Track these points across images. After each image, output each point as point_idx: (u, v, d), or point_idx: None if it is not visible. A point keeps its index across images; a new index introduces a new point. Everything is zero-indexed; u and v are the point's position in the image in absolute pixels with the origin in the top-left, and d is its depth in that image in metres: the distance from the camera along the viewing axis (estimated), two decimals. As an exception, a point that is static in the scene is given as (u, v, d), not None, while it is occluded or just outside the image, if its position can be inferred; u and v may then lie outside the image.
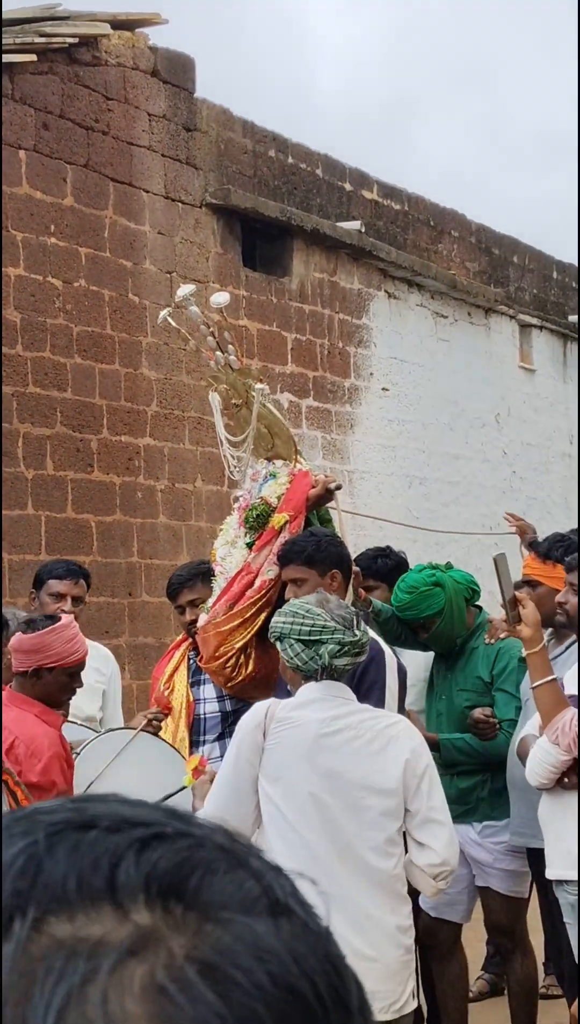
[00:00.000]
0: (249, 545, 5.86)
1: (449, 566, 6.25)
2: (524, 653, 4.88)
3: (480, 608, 6.31)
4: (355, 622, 4.32)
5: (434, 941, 6.16)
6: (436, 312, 14.14)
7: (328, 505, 6.06)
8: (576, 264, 17.62)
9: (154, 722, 5.69)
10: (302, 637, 4.25)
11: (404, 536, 13.03)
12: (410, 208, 14.13)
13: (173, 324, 6.13)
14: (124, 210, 10.23)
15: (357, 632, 4.28)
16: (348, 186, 13.12)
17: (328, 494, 5.90)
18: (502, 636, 6.18)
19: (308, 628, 4.26)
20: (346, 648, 4.25)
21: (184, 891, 0.66)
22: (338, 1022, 0.66)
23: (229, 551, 5.91)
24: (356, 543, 12.18)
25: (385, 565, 6.55)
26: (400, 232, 13.89)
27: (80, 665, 4.98)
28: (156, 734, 5.63)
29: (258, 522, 5.83)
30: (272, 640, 4.45)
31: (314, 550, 5.44)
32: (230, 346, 6.00)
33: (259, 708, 4.35)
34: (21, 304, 9.25)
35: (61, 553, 9.35)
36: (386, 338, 13.32)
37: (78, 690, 5.05)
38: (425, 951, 6.26)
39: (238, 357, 6.03)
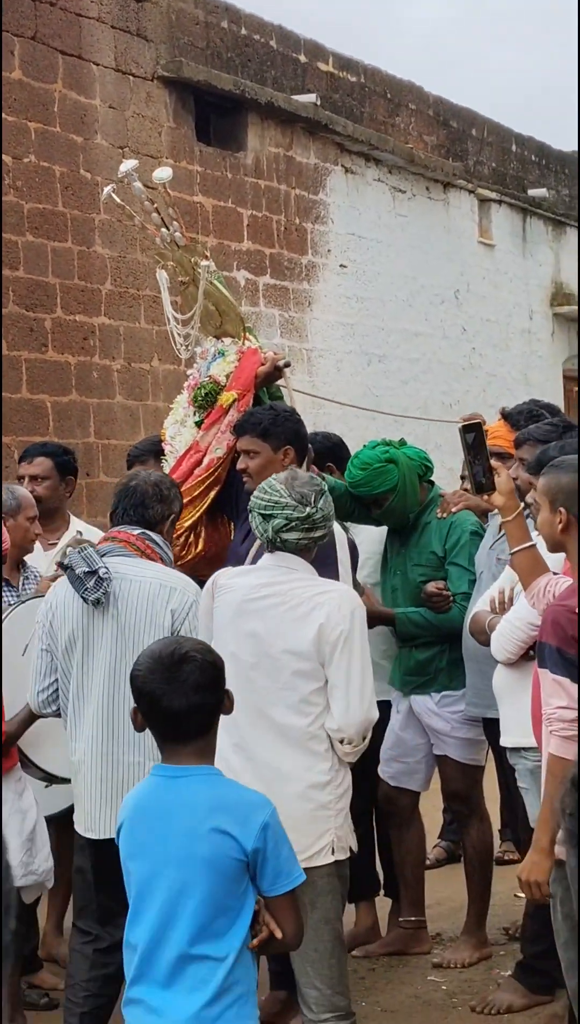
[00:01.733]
0: (198, 424, 5.83)
1: (402, 443, 6.23)
2: (501, 521, 4.87)
3: (433, 484, 6.31)
4: (314, 499, 4.44)
5: (393, 809, 6.25)
6: (394, 187, 13.99)
7: (278, 383, 6.02)
8: (537, 138, 17.43)
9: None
10: (260, 510, 4.47)
11: (363, 414, 13.00)
12: (366, 80, 13.91)
13: (117, 201, 6.03)
14: (74, 83, 10.03)
15: (308, 509, 4.41)
16: (303, 58, 12.90)
17: (277, 371, 5.87)
18: (454, 510, 6.19)
19: (264, 502, 4.47)
20: (294, 523, 4.42)
21: None
22: None
23: (179, 430, 5.89)
24: (315, 422, 12.15)
25: (322, 447, 6.54)
26: (357, 105, 13.69)
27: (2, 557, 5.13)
28: None
29: (207, 400, 5.81)
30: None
31: (270, 423, 5.42)
32: (175, 223, 5.91)
33: (213, 576, 4.67)
34: (-30, 181, 9.10)
35: (16, 434, 9.30)
36: (343, 214, 13.18)
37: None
38: (383, 819, 6.36)
39: (184, 233, 5.95)
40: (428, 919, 6.38)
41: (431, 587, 6.07)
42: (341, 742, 4.37)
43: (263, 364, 5.83)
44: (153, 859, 3.40)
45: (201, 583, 5.23)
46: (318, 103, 12.67)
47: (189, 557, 5.73)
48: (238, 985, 3.35)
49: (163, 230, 5.95)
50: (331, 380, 12.79)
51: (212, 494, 5.72)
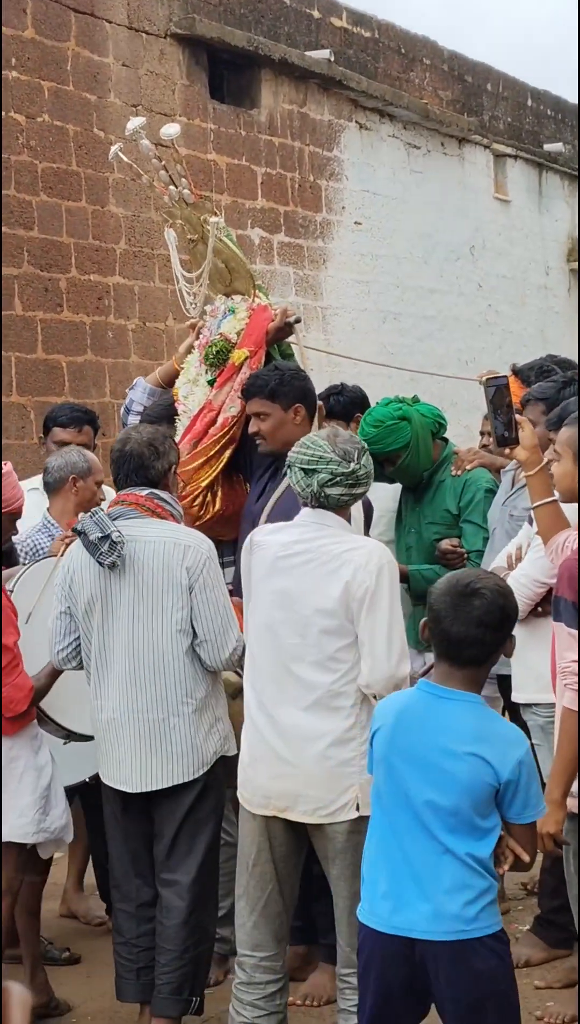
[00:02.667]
0: (210, 383, 5.83)
1: (415, 400, 6.23)
2: (524, 475, 4.88)
3: (447, 441, 6.31)
4: (357, 455, 4.44)
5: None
6: (409, 143, 13.93)
7: (289, 339, 6.01)
8: (553, 92, 17.33)
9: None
10: (302, 465, 4.45)
11: (379, 372, 12.99)
12: (380, 36, 13.83)
13: (125, 159, 6.01)
14: (87, 42, 10.00)
15: (352, 465, 4.42)
16: (317, 13, 12.82)
17: (287, 327, 5.84)
18: (468, 467, 6.19)
19: (307, 457, 4.45)
20: (338, 478, 4.41)
21: None
22: None
23: (191, 390, 5.89)
24: (331, 379, 12.15)
25: (338, 403, 6.49)
26: (371, 61, 13.62)
27: (20, 511, 5.12)
28: None
29: (218, 359, 5.80)
30: (284, 471, 4.64)
31: (277, 384, 5.42)
32: (183, 179, 5.88)
33: (251, 533, 4.66)
34: (-17, 141, 9.09)
35: (32, 395, 9.32)
36: (358, 171, 13.13)
37: None
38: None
39: (192, 190, 5.91)
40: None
41: (445, 544, 6.08)
42: (374, 698, 4.32)
43: (273, 320, 5.83)
44: (410, 767, 3.64)
45: (218, 543, 5.28)
46: (332, 59, 12.61)
47: (207, 517, 5.74)
48: (491, 891, 3.60)
49: (171, 187, 5.92)
50: (346, 338, 12.78)
51: (228, 452, 5.72)
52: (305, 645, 4.35)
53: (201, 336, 6.00)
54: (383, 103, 13.26)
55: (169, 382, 5.98)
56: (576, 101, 17.83)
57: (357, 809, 4.33)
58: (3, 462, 5.21)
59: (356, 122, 13.11)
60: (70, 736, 5.43)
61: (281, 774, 4.36)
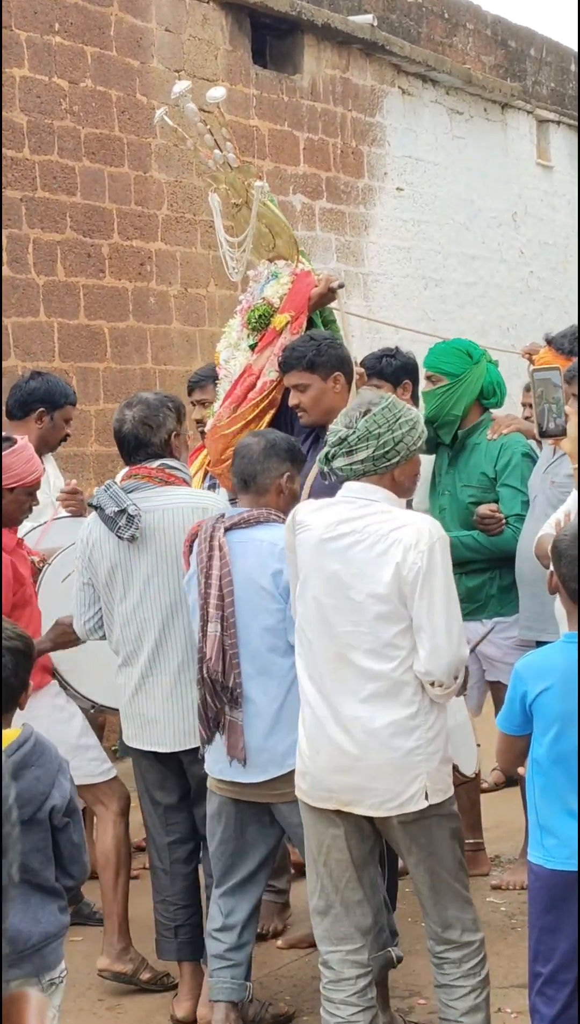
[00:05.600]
0: (252, 347, 5.83)
1: (490, 360, 6.22)
2: (572, 468, 4.82)
3: (488, 411, 6.30)
4: (356, 419, 4.25)
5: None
6: (451, 108, 13.87)
7: (332, 305, 6.01)
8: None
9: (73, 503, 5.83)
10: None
11: (420, 339, 12.97)
12: (423, 0, 13.75)
13: (170, 124, 6.00)
14: (129, 6, 9.99)
15: (344, 431, 4.24)
16: (360, -22, 12.76)
17: (330, 293, 5.82)
18: (505, 431, 6.19)
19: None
20: (333, 451, 4.28)
21: None
22: None
23: (232, 354, 5.90)
24: (372, 346, 12.13)
25: (389, 365, 6.44)
26: (414, 25, 13.55)
27: (37, 484, 5.14)
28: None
29: (261, 323, 5.80)
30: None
31: (314, 354, 5.43)
32: (228, 143, 5.87)
33: (293, 509, 4.45)
34: (27, 106, 9.10)
35: (75, 360, 9.36)
36: (400, 136, 13.09)
37: None
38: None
39: (237, 155, 5.90)
40: (487, 842, 6.46)
41: (483, 509, 6.08)
42: (431, 684, 4.16)
43: (316, 286, 5.82)
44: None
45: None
46: (375, 24, 12.56)
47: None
48: None
49: (216, 152, 5.92)
50: (387, 304, 12.76)
51: (267, 417, 5.73)
52: (359, 633, 4.16)
53: (244, 300, 6.01)
54: (426, 68, 13.20)
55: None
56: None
57: (426, 798, 4.19)
58: (18, 436, 5.26)
59: (399, 87, 13.06)
60: (95, 707, 5.51)
61: (344, 767, 4.20)
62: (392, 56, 12.76)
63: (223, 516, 4.78)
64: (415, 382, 6.41)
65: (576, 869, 3.84)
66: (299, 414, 5.52)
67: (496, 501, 6.11)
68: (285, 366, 5.51)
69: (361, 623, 4.17)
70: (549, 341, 6.01)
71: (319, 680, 4.25)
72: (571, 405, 5.15)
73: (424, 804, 4.19)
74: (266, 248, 5.98)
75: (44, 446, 6.09)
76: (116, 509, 4.82)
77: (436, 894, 4.33)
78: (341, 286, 5.86)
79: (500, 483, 6.11)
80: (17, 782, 3.55)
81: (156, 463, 4.98)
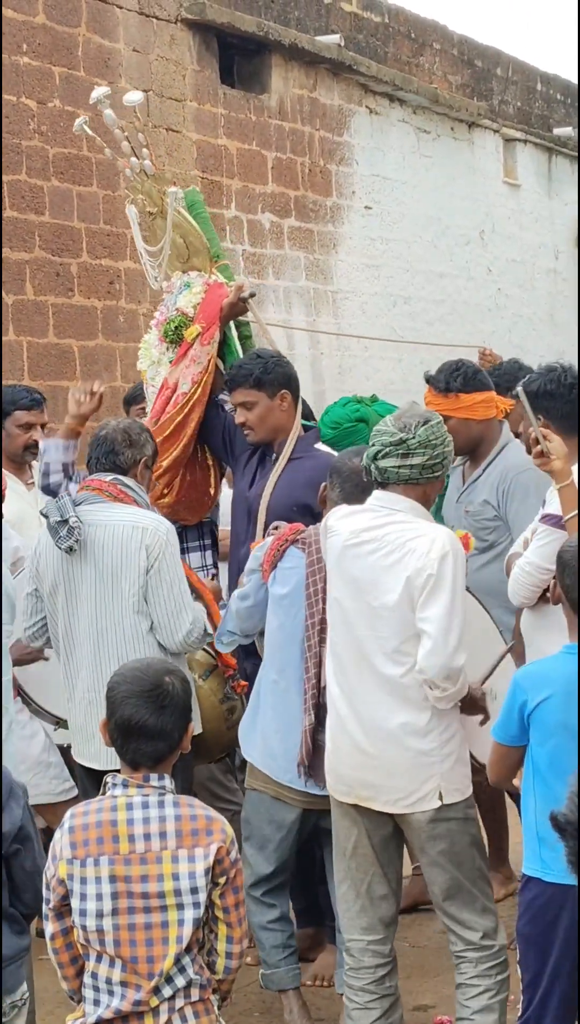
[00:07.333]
0: (172, 361, 5.78)
1: (374, 399, 6.16)
2: (555, 487, 4.78)
3: None
4: (414, 426, 4.29)
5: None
6: (418, 127, 13.95)
7: (246, 316, 5.86)
8: (563, 76, 17.31)
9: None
10: (369, 445, 4.40)
11: (388, 355, 13.03)
12: (390, 20, 13.85)
13: (89, 132, 5.89)
14: (97, 27, 10.04)
15: (402, 434, 4.28)
16: (327, -2, 12.85)
17: (242, 302, 5.71)
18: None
19: (373, 436, 4.40)
20: (388, 449, 4.29)
21: None
22: None
23: (157, 370, 5.83)
24: (341, 363, 12.20)
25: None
26: (380, 45, 13.64)
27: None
28: None
29: (177, 335, 5.69)
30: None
31: (261, 372, 5.40)
32: (145, 149, 5.71)
33: (327, 515, 4.60)
34: (-5, 126, 9.13)
35: (44, 379, 9.38)
36: (368, 155, 13.16)
37: None
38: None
39: (153, 162, 5.75)
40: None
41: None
42: (430, 688, 4.24)
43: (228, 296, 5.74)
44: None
45: (183, 528, 5.42)
46: (342, 44, 12.63)
47: (167, 499, 5.72)
48: None
49: (133, 159, 5.77)
50: (357, 322, 12.82)
51: (188, 432, 5.66)
52: (376, 637, 4.30)
53: (158, 313, 5.92)
54: (393, 88, 13.29)
55: (77, 433, 5.60)
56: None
57: (439, 799, 4.30)
58: None
59: (366, 107, 13.14)
60: (59, 723, 5.49)
61: (362, 764, 4.35)
62: (359, 76, 12.84)
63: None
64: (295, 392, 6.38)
65: (574, 883, 3.84)
66: (245, 432, 5.49)
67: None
68: (232, 384, 5.48)
69: (376, 627, 4.29)
70: (428, 380, 5.92)
71: (343, 680, 4.39)
72: (542, 427, 5.12)
73: (438, 803, 4.30)
74: (180, 259, 5.83)
75: (5, 457, 6.08)
76: (59, 519, 4.82)
77: (449, 896, 4.41)
78: (252, 295, 5.73)
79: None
80: None
81: (110, 477, 4.97)
